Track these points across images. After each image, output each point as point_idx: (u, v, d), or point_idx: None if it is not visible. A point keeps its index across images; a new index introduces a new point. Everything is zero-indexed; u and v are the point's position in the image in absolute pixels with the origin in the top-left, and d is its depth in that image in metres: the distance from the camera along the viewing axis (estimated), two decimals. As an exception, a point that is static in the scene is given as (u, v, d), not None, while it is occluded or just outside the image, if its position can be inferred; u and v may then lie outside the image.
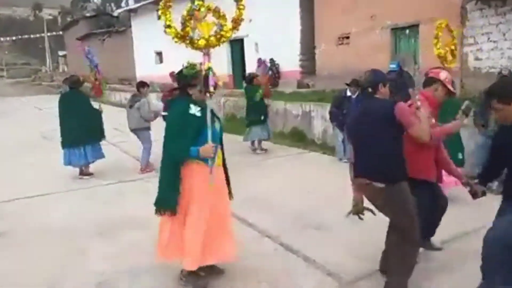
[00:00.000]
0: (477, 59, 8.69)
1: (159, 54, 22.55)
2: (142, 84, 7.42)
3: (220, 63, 16.57)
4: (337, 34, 12.44)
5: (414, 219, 3.01)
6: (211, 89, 3.06)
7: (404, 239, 3.03)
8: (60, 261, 3.87)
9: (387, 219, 3.66)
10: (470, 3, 8.61)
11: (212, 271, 3.43)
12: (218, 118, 3.36)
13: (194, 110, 3.12)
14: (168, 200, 3.16)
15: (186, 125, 3.12)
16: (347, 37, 12.24)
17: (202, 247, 3.16)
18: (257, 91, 8.26)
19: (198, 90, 3.17)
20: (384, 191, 2.98)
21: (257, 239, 4.28)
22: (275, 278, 3.44)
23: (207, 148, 3.02)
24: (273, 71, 14.50)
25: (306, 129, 9.41)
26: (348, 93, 7.27)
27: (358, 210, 3.30)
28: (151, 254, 3.78)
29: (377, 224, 3.46)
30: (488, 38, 8.45)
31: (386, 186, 2.96)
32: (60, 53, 44.90)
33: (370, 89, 3.10)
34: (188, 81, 3.21)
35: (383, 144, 2.98)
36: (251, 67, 15.04)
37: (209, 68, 3.10)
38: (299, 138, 9.43)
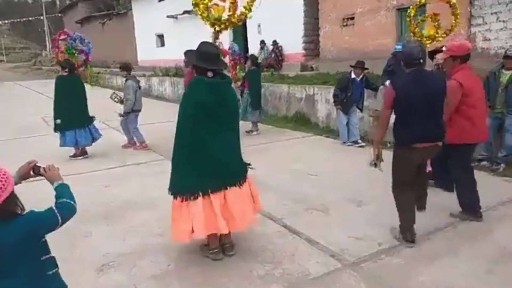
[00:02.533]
0: (485, 39, 8.52)
1: (161, 37, 22.33)
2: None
3: (224, 44, 16.45)
4: (341, 15, 12.24)
5: None
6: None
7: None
8: (64, 243, 3.86)
9: (389, 201, 3.65)
10: (479, -18, 8.41)
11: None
12: None
13: None
14: None
15: None
16: (352, 18, 12.03)
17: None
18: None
19: None
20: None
21: (260, 221, 4.25)
22: (279, 259, 3.43)
23: None
24: (276, 53, 14.33)
25: (310, 112, 9.34)
26: (353, 76, 7.17)
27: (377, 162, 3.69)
28: (156, 236, 3.78)
29: (380, 206, 3.43)
30: (497, 18, 8.27)
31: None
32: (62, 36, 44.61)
33: (422, 61, 3.35)
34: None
35: (442, 112, 3.48)
36: (253, 48, 14.88)
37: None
38: (302, 121, 9.36)
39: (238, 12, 5.83)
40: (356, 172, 5.40)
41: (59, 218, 1.89)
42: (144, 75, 17.83)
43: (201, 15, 5.76)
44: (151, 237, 3.86)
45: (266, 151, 7.27)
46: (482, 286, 2.98)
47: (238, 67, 8.72)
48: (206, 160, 3.22)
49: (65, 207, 1.97)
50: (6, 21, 56.70)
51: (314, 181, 5.36)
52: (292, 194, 4.95)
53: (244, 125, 8.65)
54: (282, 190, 5.13)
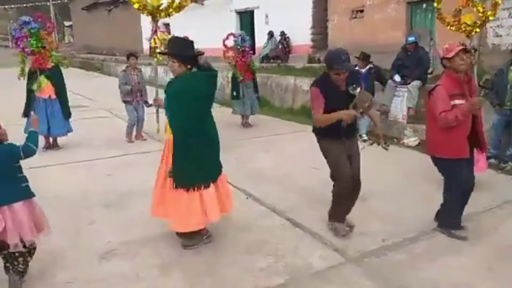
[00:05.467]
0: (496, 35, 8.38)
1: (167, 25, 22.21)
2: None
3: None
4: (351, 7, 12.07)
5: None
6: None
7: None
8: (68, 230, 3.87)
9: (393, 197, 3.61)
10: (492, -24, 8.23)
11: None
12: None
13: None
14: None
15: None
16: (361, 11, 11.86)
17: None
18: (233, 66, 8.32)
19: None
20: None
21: (264, 214, 4.25)
22: (282, 252, 3.42)
23: None
24: (283, 44, 14.20)
25: (316, 105, 9.23)
26: (356, 68, 7.09)
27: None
28: (158, 224, 3.78)
29: (383, 202, 3.41)
30: (509, 14, 8.12)
31: None
32: (66, 23, 44.40)
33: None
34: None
35: None
36: (261, 40, 14.76)
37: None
38: (308, 114, 9.27)
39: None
40: (363, 166, 5.35)
41: (22, 154, 2.85)
42: (150, 64, 17.76)
43: (136, 3, 5.61)
44: (154, 226, 3.85)
45: (271, 144, 7.24)
46: (483, 283, 2.96)
47: (250, 59, 8.54)
48: (211, 149, 3.45)
49: (27, 148, 2.89)
50: (13, 6, 56.52)
51: (319, 175, 5.31)
52: (296, 187, 4.92)
53: (254, 118, 8.66)
54: (286, 183, 5.10)
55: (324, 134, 3.53)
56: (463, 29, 5.95)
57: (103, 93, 12.78)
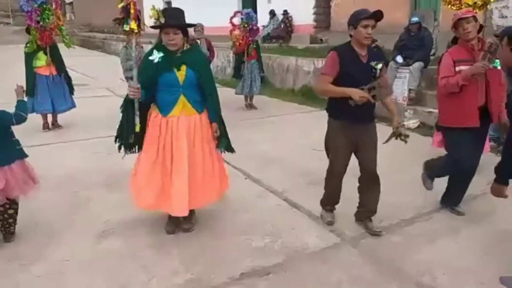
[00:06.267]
0: (502, 16, 8.23)
1: (168, 3, 21.88)
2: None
3: (229, 13, 16.03)
4: (354, -14, 11.85)
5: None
6: (127, 26, 3.00)
7: None
8: (65, 208, 3.89)
9: (391, 179, 3.58)
10: (499, -46, 8.03)
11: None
12: (186, 63, 3.16)
13: (155, 56, 3.09)
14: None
15: (143, 71, 3.18)
16: (365, -10, 11.65)
17: (151, 190, 3.23)
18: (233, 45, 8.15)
19: (164, 33, 3.08)
20: None
21: (261, 194, 4.26)
22: (278, 233, 3.43)
23: (128, 88, 3.10)
24: (285, 24, 14.00)
25: (317, 86, 9.15)
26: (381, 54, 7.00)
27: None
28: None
29: (382, 183, 3.39)
30: (516, -6, 7.96)
31: None
32: (67, 0, 43.82)
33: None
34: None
35: None
36: (263, 19, 14.54)
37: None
38: (310, 95, 9.21)
39: None
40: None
41: (14, 120, 3.15)
42: (150, 42, 17.58)
43: None
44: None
45: (271, 125, 7.21)
46: (478, 267, 2.96)
47: (256, 37, 8.43)
48: None
49: (18, 115, 3.19)
50: (14, -19, 55.61)
51: (319, 156, 5.27)
52: (296, 168, 4.92)
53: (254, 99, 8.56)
54: (285, 164, 5.10)
55: (337, 115, 3.27)
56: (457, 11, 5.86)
57: (104, 72, 12.70)
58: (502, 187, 2.50)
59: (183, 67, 3.14)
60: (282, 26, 14.00)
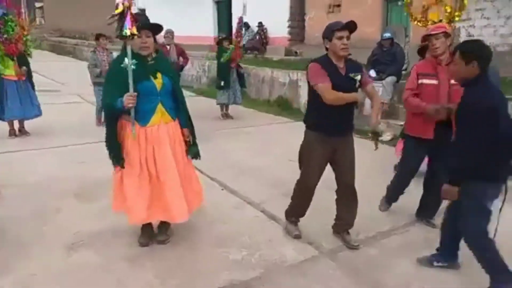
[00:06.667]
0: (469, 35, 8.58)
1: (143, 11, 21.67)
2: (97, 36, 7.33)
3: (205, 23, 16.10)
4: (328, 1, 12.12)
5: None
6: (127, 31, 2.82)
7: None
8: (33, 219, 3.71)
9: (366, 191, 3.61)
10: (467, -24, 8.39)
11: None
12: (160, 71, 3.10)
13: (127, 63, 2.94)
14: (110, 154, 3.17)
15: (112, 79, 3.07)
16: (338, 5, 11.94)
17: (142, 203, 3.10)
18: (221, 54, 8.07)
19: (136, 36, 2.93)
20: None
21: (238, 205, 4.21)
22: (256, 245, 3.38)
23: (125, 98, 2.90)
24: (260, 35, 14.12)
25: (293, 98, 9.24)
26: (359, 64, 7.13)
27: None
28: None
29: (358, 195, 3.41)
30: (482, 15, 8.33)
31: None
32: (37, 4, 42.65)
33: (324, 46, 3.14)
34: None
35: None
36: (238, 30, 14.62)
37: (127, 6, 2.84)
38: (285, 106, 9.28)
39: None
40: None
41: None
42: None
43: None
44: (125, 217, 3.74)
45: (247, 135, 7.19)
46: (455, 280, 2.99)
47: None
48: None
49: None
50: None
51: (295, 167, 5.29)
52: (272, 179, 4.90)
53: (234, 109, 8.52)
54: (261, 174, 5.07)
55: (315, 127, 3.22)
56: (429, 26, 6.12)
57: (75, 78, 12.37)
58: (454, 188, 2.61)
59: (159, 75, 3.09)
60: (257, 37, 14.10)
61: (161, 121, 3.12)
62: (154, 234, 3.40)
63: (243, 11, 14.77)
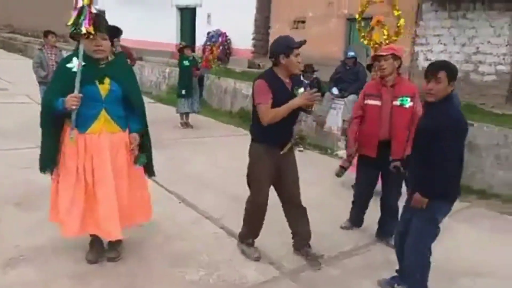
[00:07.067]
0: (426, 59, 8.91)
1: (102, 13, 21.02)
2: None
3: (168, 29, 15.77)
4: (293, 17, 12.23)
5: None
6: (83, 29, 2.61)
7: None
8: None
9: (327, 209, 3.54)
10: (426, 3, 8.76)
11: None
12: (109, 76, 2.86)
13: (74, 63, 2.75)
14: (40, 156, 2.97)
15: (58, 79, 2.88)
16: (303, 22, 12.07)
17: (75, 215, 2.85)
18: (182, 61, 7.92)
19: (91, 38, 2.71)
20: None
21: (197, 220, 4.01)
22: (215, 264, 3.20)
23: (68, 98, 2.68)
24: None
25: (255, 110, 9.16)
26: (301, 78, 7.14)
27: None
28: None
29: (316, 214, 3.35)
30: (439, 40, 8.68)
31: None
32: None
33: (273, 60, 3.08)
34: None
35: None
36: (201, 38, 14.45)
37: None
38: (246, 118, 9.16)
39: None
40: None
41: None
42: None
43: None
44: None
45: (208, 146, 7.00)
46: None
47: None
48: None
49: None
50: None
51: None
52: (232, 193, 4.72)
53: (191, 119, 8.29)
54: (221, 188, 4.89)
55: (262, 139, 3.14)
56: (372, 45, 6.47)
57: (24, 77, 11.64)
58: (425, 199, 2.64)
59: (107, 80, 2.85)
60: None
61: (103, 129, 2.88)
62: (104, 250, 3.13)
63: (208, 21, 14.67)
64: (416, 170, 2.73)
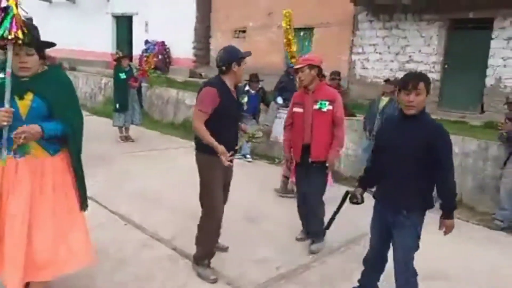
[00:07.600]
0: (363, 68, 9.27)
1: (29, 20, 19.69)
2: None
3: (102, 38, 15.09)
4: (233, 26, 12.24)
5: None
6: (7, 32, 2.21)
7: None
8: None
9: (283, 220, 3.48)
10: (362, 14, 9.13)
11: None
12: (32, 91, 2.42)
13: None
14: None
15: None
16: (244, 31, 12.11)
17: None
18: (118, 73, 7.57)
19: (14, 54, 2.33)
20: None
21: (146, 242, 3.75)
22: (169, 290, 2.98)
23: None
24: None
25: (199, 121, 8.96)
26: (247, 88, 7.09)
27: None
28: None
29: (273, 224, 3.27)
30: (375, 49, 9.07)
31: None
32: None
33: (224, 68, 3.12)
34: None
35: None
36: (139, 47, 13.99)
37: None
38: (191, 130, 8.92)
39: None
40: (248, 187, 5.23)
41: None
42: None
43: None
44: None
45: (152, 160, 6.69)
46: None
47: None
48: None
49: None
50: None
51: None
52: (183, 209, 4.50)
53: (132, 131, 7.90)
54: (172, 204, 4.66)
55: (209, 148, 3.00)
56: (290, 55, 7.17)
57: None
58: (453, 220, 2.62)
59: (29, 96, 2.40)
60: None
61: (25, 154, 2.42)
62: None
63: (145, 29, 14.23)
64: (411, 184, 2.57)
